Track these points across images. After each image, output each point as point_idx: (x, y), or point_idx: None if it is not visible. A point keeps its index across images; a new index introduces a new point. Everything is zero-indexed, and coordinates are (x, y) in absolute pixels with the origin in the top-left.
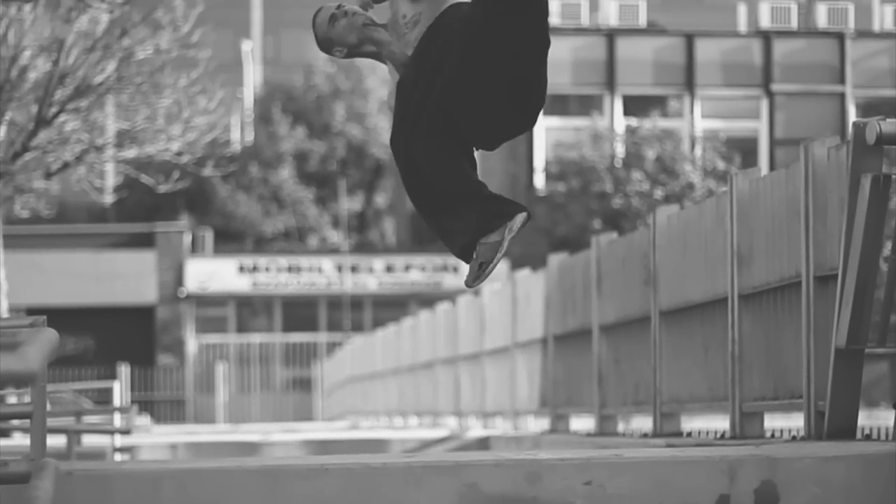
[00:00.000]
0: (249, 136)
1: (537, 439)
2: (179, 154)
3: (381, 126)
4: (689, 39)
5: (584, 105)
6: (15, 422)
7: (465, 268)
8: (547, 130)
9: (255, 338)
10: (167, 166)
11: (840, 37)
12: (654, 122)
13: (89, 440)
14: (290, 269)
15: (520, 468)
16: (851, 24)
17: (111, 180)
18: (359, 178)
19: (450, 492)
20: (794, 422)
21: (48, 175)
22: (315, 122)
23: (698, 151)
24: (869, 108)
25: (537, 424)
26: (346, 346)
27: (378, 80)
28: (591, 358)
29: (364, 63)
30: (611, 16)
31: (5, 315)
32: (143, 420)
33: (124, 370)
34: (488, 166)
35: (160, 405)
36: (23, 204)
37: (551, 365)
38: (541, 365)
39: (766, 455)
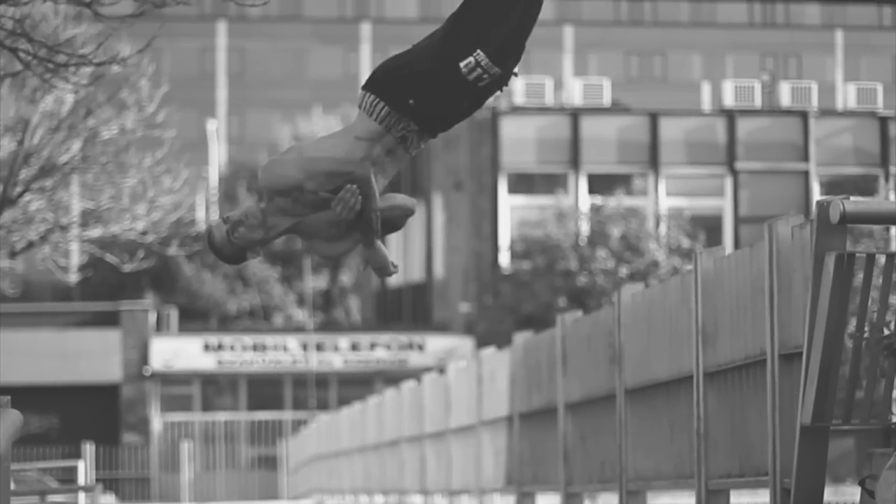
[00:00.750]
0: (214, 215)
1: None
2: (144, 233)
3: None
4: (654, 118)
5: (550, 183)
6: None
7: (431, 346)
8: (512, 209)
9: (221, 416)
10: (132, 245)
11: (804, 115)
12: (618, 201)
13: None
14: (255, 348)
15: None
16: (815, 102)
17: (76, 259)
18: None
19: None
20: (761, 498)
21: (13, 254)
22: None
23: (663, 229)
24: (833, 186)
25: (504, 502)
26: (312, 424)
27: None
28: (557, 435)
29: None
30: (575, 95)
31: None
32: (108, 499)
33: (89, 449)
34: (453, 244)
35: (125, 483)
36: None
37: (517, 442)
38: (506, 442)
39: None
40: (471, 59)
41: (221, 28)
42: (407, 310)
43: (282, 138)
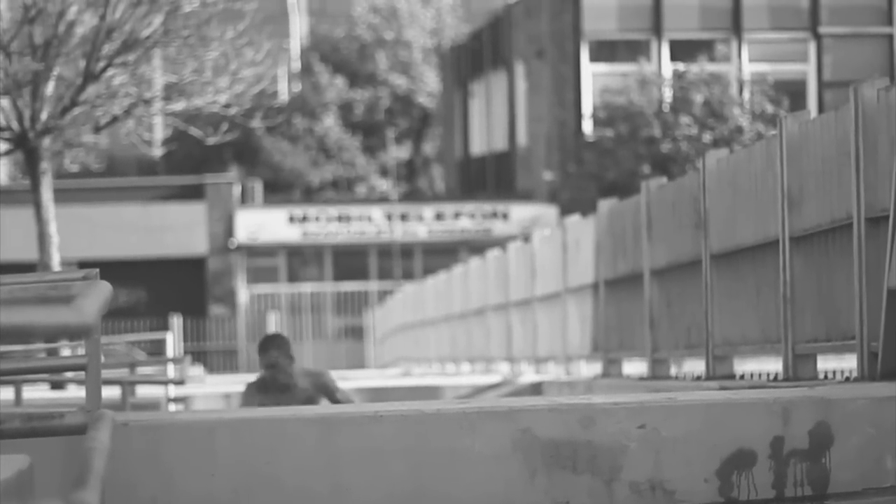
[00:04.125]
0: (296, 87)
1: (590, 384)
2: (227, 106)
3: (427, 76)
4: None
5: (632, 50)
6: (69, 374)
7: (515, 215)
8: (594, 76)
9: (307, 287)
10: (215, 118)
11: None
12: (701, 67)
13: (143, 391)
14: (339, 219)
15: (574, 413)
16: None
17: (160, 133)
18: (406, 126)
19: (504, 437)
20: (847, 363)
21: (97, 129)
22: (359, 72)
23: (746, 95)
24: None
25: (590, 369)
26: (397, 294)
27: (419, 29)
28: (643, 302)
29: (404, 13)
30: None
31: (57, 269)
32: (197, 370)
33: (176, 321)
34: (536, 112)
35: (213, 355)
36: (72, 158)
37: (603, 310)
38: (592, 310)
39: (820, 396)
40: None
41: None
42: (491, 179)
43: (360, 11)
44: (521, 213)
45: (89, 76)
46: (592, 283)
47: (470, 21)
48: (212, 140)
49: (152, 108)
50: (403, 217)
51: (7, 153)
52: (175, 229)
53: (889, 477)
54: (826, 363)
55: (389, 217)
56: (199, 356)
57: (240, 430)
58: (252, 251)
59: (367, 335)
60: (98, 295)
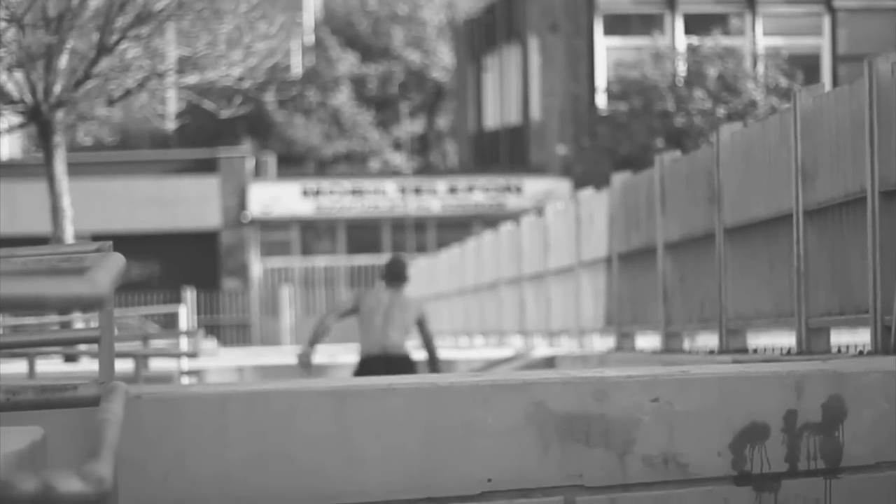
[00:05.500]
0: (309, 62)
1: (603, 357)
2: (241, 79)
3: (441, 51)
4: None
5: (645, 24)
6: (83, 347)
7: (528, 189)
8: (608, 50)
9: (320, 261)
10: (228, 91)
11: None
12: (715, 41)
13: (156, 364)
14: (353, 192)
15: (587, 386)
16: None
17: (173, 106)
18: (419, 100)
19: (517, 410)
20: (861, 337)
21: (110, 102)
22: (373, 46)
23: (760, 69)
24: None
25: (603, 343)
26: (411, 268)
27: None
28: (656, 276)
29: None
30: None
31: (71, 241)
32: (210, 344)
33: (190, 295)
34: (549, 86)
35: (226, 329)
36: (86, 131)
37: (616, 283)
38: (605, 283)
39: (834, 370)
40: None
41: None
42: (504, 152)
43: None
44: (534, 186)
45: (103, 49)
46: (606, 256)
47: None
48: (225, 113)
49: (165, 81)
50: (417, 191)
51: (21, 126)
52: (188, 203)
53: None
54: (839, 337)
55: (403, 191)
56: (213, 329)
57: (252, 403)
58: (265, 225)
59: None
60: (111, 267)
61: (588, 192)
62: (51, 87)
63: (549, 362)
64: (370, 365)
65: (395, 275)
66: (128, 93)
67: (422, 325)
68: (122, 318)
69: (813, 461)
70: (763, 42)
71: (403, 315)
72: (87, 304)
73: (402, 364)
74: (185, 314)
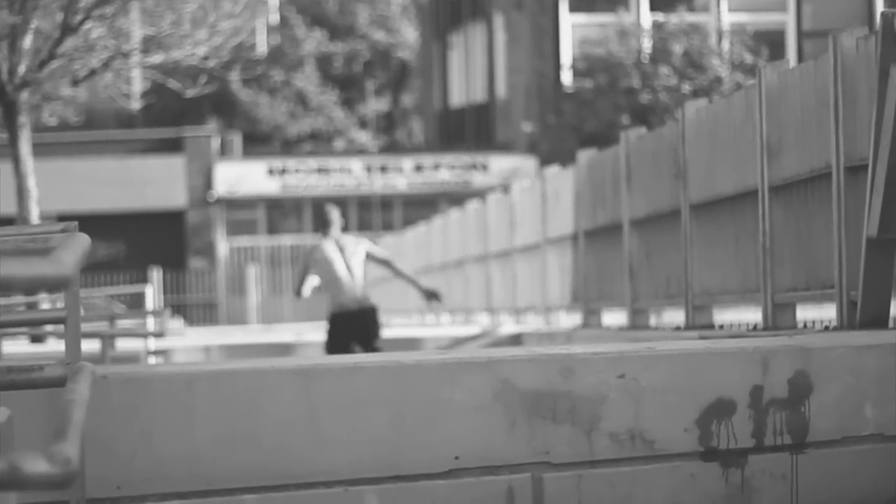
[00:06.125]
0: (274, 40)
1: (570, 334)
2: (206, 58)
3: (406, 30)
4: None
5: (611, 1)
6: (48, 327)
7: (494, 166)
8: (573, 27)
9: (286, 240)
10: (193, 71)
11: None
12: (680, 17)
13: (123, 344)
14: (319, 171)
15: (553, 363)
16: None
17: (138, 86)
18: (384, 79)
19: (484, 388)
20: (827, 312)
21: (75, 82)
22: (338, 26)
23: (726, 45)
24: None
25: (569, 320)
26: (377, 246)
27: None
28: (622, 252)
29: None
30: None
31: (36, 222)
32: (176, 323)
33: (156, 274)
34: (515, 63)
35: (192, 308)
36: (51, 112)
37: (582, 260)
38: (572, 260)
39: (800, 345)
40: None
41: None
42: (470, 130)
43: None
44: (500, 164)
45: (67, 29)
46: (572, 233)
47: None
48: (190, 93)
49: (130, 61)
50: (383, 169)
51: None
52: (154, 182)
53: (868, 425)
54: (805, 312)
55: (369, 169)
56: (179, 309)
57: (219, 383)
58: (231, 204)
59: None
60: (76, 247)
61: (554, 170)
62: (15, 67)
63: (516, 339)
64: (346, 323)
65: (326, 222)
66: (93, 73)
67: (380, 258)
68: (88, 299)
69: (779, 436)
70: (728, 18)
71: (355, 254)
72: (53, 285)
73: (373, 316)
74: (152, 294)
